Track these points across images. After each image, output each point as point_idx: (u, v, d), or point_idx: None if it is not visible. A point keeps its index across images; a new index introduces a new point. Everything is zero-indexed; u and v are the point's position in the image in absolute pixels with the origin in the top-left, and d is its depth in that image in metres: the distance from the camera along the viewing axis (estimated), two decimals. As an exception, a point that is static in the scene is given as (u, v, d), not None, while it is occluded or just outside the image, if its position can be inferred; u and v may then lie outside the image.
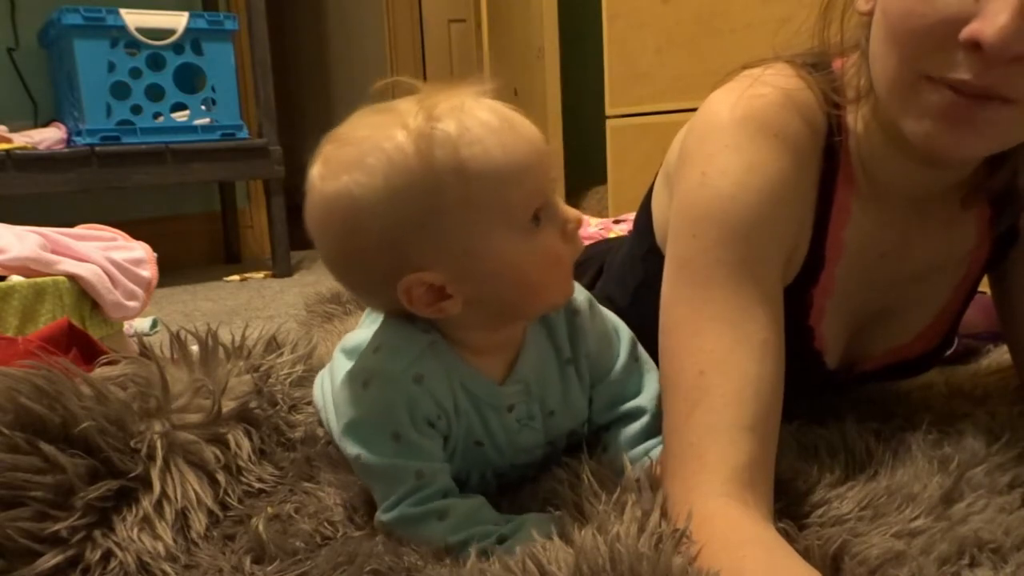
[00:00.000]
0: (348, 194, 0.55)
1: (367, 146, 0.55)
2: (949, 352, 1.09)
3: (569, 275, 0.62)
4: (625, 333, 0.72)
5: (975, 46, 0.53)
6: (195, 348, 0.81)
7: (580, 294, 0.68)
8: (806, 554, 0.56)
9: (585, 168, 2.60)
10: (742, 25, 1.66)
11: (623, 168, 1.92)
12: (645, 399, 0.70)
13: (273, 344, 0.89)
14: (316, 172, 0.58)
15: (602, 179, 2.09)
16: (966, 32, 0.52)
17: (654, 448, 0.67)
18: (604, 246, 1.09)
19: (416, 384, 0.60)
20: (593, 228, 1.28)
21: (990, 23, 0.51)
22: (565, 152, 2.36)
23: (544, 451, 0.68)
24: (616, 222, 1.34)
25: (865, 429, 0.75)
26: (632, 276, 0.86)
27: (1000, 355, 1.04)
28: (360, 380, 0.61)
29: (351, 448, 0.61)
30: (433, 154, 0.54)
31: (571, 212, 0.60)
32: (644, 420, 0.69)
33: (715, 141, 0.66)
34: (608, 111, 1.92)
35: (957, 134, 0.57)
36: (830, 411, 0.80)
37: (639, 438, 0.69)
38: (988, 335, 1.08)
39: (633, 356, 0.71)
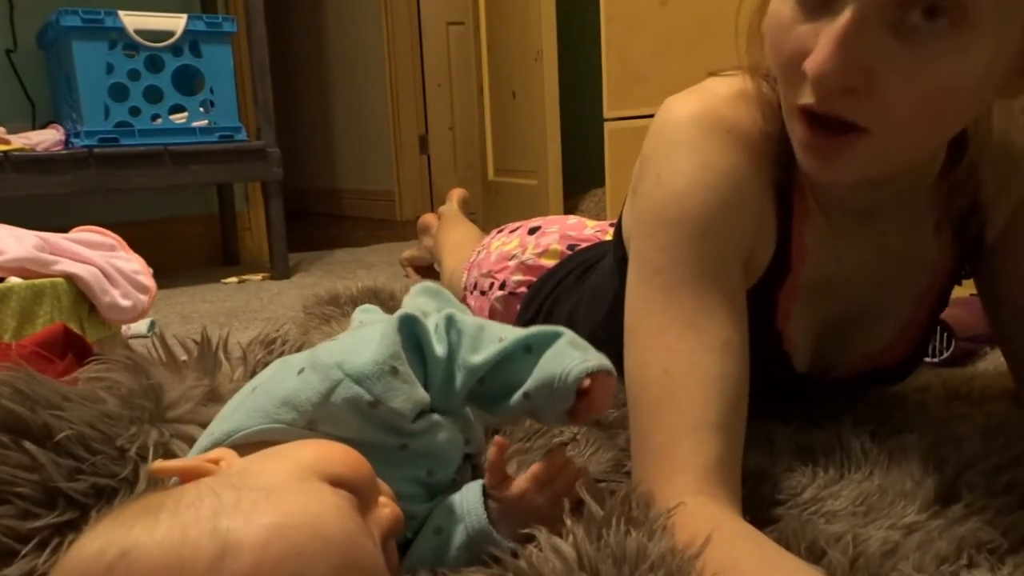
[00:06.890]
0: None
1: None
2: (946, 355, 1.10)
3: None
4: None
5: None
6: (192, 350, 0.81)
7: None
8: (787, 546, 0.57)
9: (583, 171, 2.60)
10: (741, 28, 1.66)
11: (621, 171, 1.92)
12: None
13: (271, 346, 0.89)
14: None
15: (600, 182, 2.09)
16: (804, 64, 0.54)
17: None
18: (602, 249, 1.09)
19: None
20: (589, 231, 1.28)
21: (811, 57, 0.53)
22: (563, 155, 2.36)
23: None
24: (612, 225, 1.33)
25: (861, 431, 0.75)
26: (610, 286, 0.85)
27: (997, 358, 1.04)
28: None
29: None
30: None
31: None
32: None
33: (669, 140, 0.67)
34: (606, 114, 1.93)
35: (824, 164, 0.59)
36: (827, 413, 0.80)
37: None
38: (985, 338, 1.08)
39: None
